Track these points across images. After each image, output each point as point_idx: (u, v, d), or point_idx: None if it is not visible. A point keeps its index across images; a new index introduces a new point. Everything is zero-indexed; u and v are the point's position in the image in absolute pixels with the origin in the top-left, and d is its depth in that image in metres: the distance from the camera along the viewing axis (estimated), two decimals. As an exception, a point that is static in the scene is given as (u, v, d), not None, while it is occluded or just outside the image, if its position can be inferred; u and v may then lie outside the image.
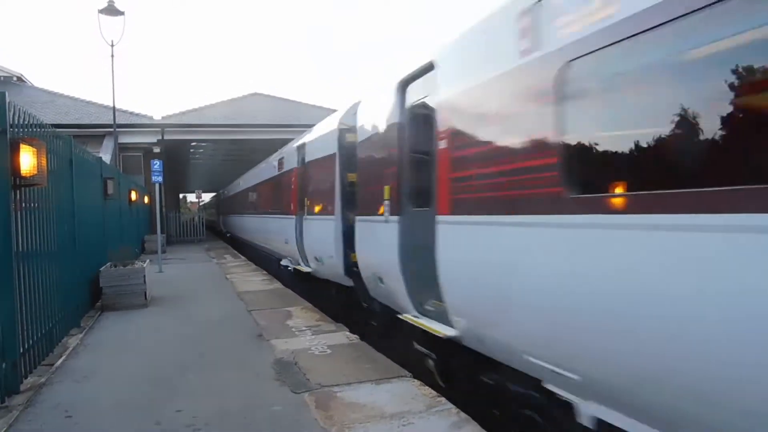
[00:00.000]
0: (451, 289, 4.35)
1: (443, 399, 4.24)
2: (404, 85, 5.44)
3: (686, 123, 2.45)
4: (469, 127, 4.15)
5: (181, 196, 55.39)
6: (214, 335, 6.83)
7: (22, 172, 4.63)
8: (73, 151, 7.36)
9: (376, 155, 6.28)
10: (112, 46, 17.41)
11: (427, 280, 4.65)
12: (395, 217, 5.45)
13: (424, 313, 5.05)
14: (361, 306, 7.37)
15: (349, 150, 7.59)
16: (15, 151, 4.57)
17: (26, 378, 4.92)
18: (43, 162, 5.06)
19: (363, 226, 6.52)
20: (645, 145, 2.69)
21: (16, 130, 4.79)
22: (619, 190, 2.81)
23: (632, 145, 2.78)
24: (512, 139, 3.57)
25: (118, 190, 11.91)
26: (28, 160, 4.68)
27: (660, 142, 2.60)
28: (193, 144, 26.52)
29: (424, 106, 4.94)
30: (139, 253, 16.83)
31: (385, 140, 5.85)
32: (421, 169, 5.01)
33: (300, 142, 10.65)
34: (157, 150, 21.39)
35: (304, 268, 9.87)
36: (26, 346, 4.95)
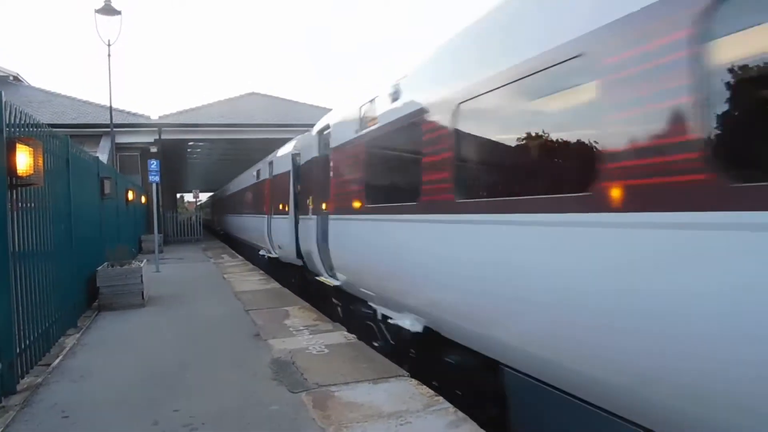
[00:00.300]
0: (334, 258, 7.50)
1: (441, 398, 4.25)
2: (321, 132, 8.61)
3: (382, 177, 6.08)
4: (338, 167, 7.38)
5: (178, 195, 55.28)
6: (211, 335, 6.82)
7: (18, 171, 4.62)
8: (70, 151, 7.35)
9: (307, 175, 9.66)
10: (109, 45, 17.39)
11: (329, 254, 7.68)
12: (314, 216, 8.62)
13: (333, 276, 7.83)
14: (308, 280, 10.11)
15: (298, 169, 10.66)
16: (11, 150, 4.56)
17: (23, 378, 4.91)
18: (40, 162, 5.05)
19: (302, 222, 9.83)
20: (386, 185, 6.11)
21: (13, 129, 4.78)
22: (375, 205, 5.98)
23: (378, 185, 6.18)
24: (349, 176, 6.89)
25: (115, 190, 11.89)
26: (24, 160, 4.67)
27: (383, 184, 6.16)
28: (191, 144, 26.47)
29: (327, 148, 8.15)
30: (136, 252, 16.78)
31: (311, 166, 9.24)
32: (327, 186, 7.83)
33: (270, 159, 13.81)
34: (154, 150, 21.36)
35: (273, 255, 13.20)
36: (23, 346, 4.94)
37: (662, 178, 2.45)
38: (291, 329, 6.87)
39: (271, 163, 13.52)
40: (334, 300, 8.34)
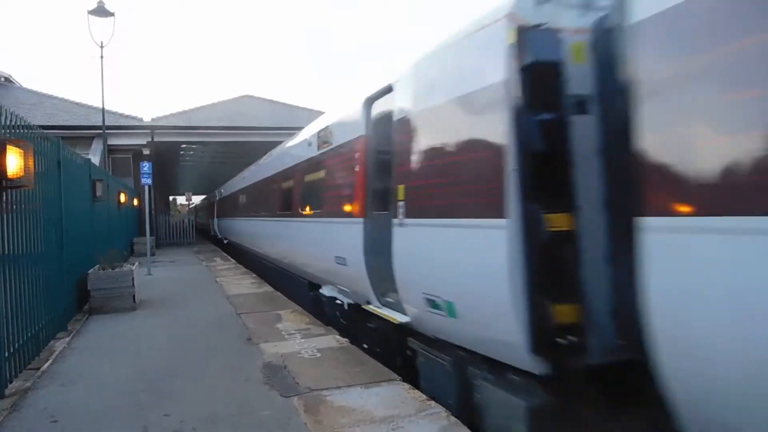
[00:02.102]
0: (223, 232, 25.08)
1: (432, 402, 4.24)
2: (217, 190, 29.05)
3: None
4: (221, 203, 26.11)
5: (171, 198, 55.03)
6: (203, 339, 6.79)
7: (8, 173, 4.57)
8: (62, 153, 7.30)
9: (219, 203, 26.93)
10: (102, 47, 17.31)
11: (227, 230, 23.26)
12: (217, 219, 27.18)
13: (221, 236, 25.86)
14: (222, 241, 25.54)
15: (219, 201, 27.04)
16: (2, 152, 4.50)
17: (11, 382, 4.87)
18: (31, 164, 5.00)
19: (220, 221, 25.87)
20: (226, 210, 23.86)
21: (4, 131, 4.75)
22: (225, 215, 24.22)
23: (225, 210, 24.01)
24: (220, 207, 26.64)
25: (107, 192, 11.81)
26: (14, 162, 4.62)
27: (226, 210, 23.85)
28: (184, 146, 26.38)
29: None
30: (127, 255, 16.69)
31: (217, 201, 27.82)
32: (218, 208, 27.11)
33: (212, 194, 32.72)
34: (146, 152, 21.23)
35: (213, 234, 29.08)
36: (12, 350, 4.89)
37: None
38: (283, 333, 6.85)
39: (212, 195, 31.67)
40: (224, 242, 24.01)
